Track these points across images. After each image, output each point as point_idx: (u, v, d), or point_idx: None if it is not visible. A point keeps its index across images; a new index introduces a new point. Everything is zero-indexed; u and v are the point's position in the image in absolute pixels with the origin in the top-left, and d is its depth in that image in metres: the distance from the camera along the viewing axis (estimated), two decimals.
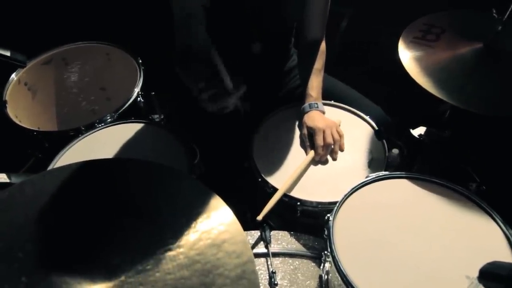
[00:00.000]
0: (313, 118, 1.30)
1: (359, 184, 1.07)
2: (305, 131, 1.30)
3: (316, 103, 1.33)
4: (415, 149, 1.53)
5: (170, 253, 0.69)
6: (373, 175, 1.10)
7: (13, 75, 1.60)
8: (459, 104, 1.07)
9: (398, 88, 1.38)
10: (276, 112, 1.45)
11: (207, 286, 0.66)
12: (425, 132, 1.49)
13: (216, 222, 0.75)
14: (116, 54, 1.76)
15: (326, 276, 1.10)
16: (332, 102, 1.46)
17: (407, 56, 1.23)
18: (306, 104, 1.35)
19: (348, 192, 1.05)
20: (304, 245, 1.20)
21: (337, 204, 1.03)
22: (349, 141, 1.35)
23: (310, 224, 1.27)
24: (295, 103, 1.45)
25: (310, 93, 1.36)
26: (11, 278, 0.67)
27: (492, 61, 1.13)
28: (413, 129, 1.57)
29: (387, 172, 1.12)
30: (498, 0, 1.07)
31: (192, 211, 0.77)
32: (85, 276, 0.68)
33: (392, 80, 1.49)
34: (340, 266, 0.94)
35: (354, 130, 1.38)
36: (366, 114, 1.38)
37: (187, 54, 1.35)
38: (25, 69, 1.63)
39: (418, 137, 1.56)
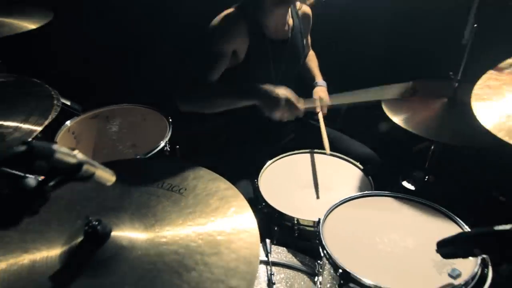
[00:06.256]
0: (322, 90, 1.96)
1: (347, 198, 1.29)
2: (317, 95, 1.90)
3: (323, 82, 2.01)
4: None
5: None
6: (359, 193, 1.32)
7: (68, 122, 1.94)
8: (435, 138, 1.35)
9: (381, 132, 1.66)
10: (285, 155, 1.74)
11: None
12: (412, 181, 1.72)
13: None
14: (151, 116, 2.10)
15: (320, 286, 1.25)
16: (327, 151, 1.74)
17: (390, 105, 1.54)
18: (321, 81, 2.01)
19: (338, 202, 1.27)
20: (300, 262, 1.35)
21: (328, 210, 1.24)
22: (340, 180, 1.58)
23: (307, 247, 1.43)
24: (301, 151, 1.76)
25: (317, 74, 2.04)
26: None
27: (456, 109, 1.43)
28: (402, 180, 1.81)
29: (373, 191, 1.34)
30: (453, 64, 1.40)
31: None
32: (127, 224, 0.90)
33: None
34: (328, 250, 1.12)
35: (345, 172, 1.63)
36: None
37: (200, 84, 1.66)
38: (75, 120, 1.98)
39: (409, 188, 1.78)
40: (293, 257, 1.36)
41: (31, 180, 0.55)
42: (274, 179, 1.60)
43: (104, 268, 0.80)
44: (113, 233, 0.85)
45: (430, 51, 2.08)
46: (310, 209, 1.45)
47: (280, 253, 1.35)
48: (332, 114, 2.14)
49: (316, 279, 1.28)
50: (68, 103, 1.81)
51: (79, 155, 0.64)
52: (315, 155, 1.74)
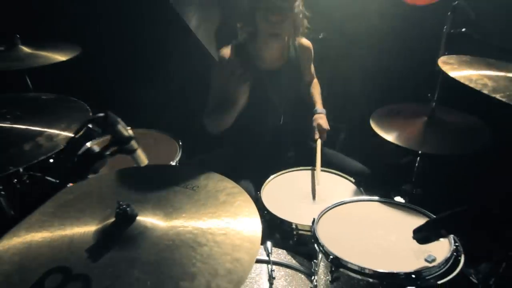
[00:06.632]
0: (321, 117, 2.13)
1: (339, 202, 1.45)
2: (316, 123, 2.10)
3: (323, 109, 2.19)
4: None
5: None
6: (350, 198, 1.49)
7: (88, 144, 2.13)
8: (419, 149, 1.54)
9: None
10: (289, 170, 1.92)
11: None
12: (402, 194, 1.88)
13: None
14: (161, 138, 2.30)
15: (316, 283, 1.38)
16: (324, 168, 1.91)
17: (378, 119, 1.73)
18: (321, 109, 2.19)
19: (331, 205, 1.43)
20: (299, 263, 1.49)
21: (322, 211, 1.39)
22: (335, 191, 1.75)
23: (305, 251, 1.58)
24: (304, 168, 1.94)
25: (318, 102, 2.23)
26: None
27: (435, 126, 1.62)
28: (394, 196, 1.96)
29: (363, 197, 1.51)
30: (429, 87, 1.61)
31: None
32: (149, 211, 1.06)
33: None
34: (320, 241, 1.26)
35: (339, 185, 1.80)
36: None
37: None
38: (95, 142, 2.18)
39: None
40: (292, 259, 1.50)
41: (95, 147, 0.74)
42: (275, 192, 1.77)
43: (131, 243, 0.96)
44: (138, 218, 1.02)
45: (410, 77, 2.37)
46: (308, 216, 1.60)
47: (280, 254, 1.50)
48: (332, 139, 2.35)
49: (312, 278, 1.42)
50: (90, 125, 2.01)
51: (130, 131, 0.83)
52: (313, 171, 1.91)
